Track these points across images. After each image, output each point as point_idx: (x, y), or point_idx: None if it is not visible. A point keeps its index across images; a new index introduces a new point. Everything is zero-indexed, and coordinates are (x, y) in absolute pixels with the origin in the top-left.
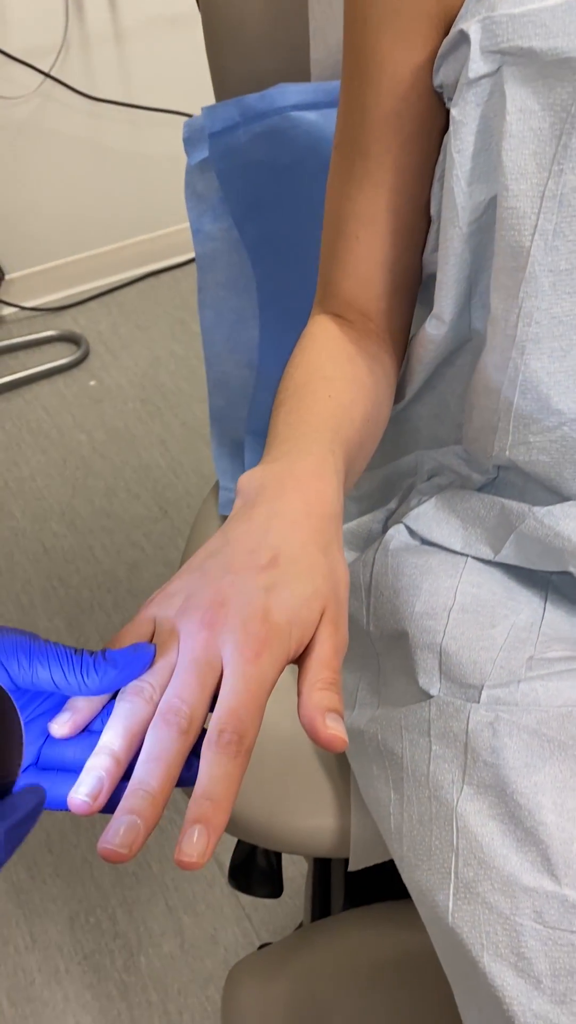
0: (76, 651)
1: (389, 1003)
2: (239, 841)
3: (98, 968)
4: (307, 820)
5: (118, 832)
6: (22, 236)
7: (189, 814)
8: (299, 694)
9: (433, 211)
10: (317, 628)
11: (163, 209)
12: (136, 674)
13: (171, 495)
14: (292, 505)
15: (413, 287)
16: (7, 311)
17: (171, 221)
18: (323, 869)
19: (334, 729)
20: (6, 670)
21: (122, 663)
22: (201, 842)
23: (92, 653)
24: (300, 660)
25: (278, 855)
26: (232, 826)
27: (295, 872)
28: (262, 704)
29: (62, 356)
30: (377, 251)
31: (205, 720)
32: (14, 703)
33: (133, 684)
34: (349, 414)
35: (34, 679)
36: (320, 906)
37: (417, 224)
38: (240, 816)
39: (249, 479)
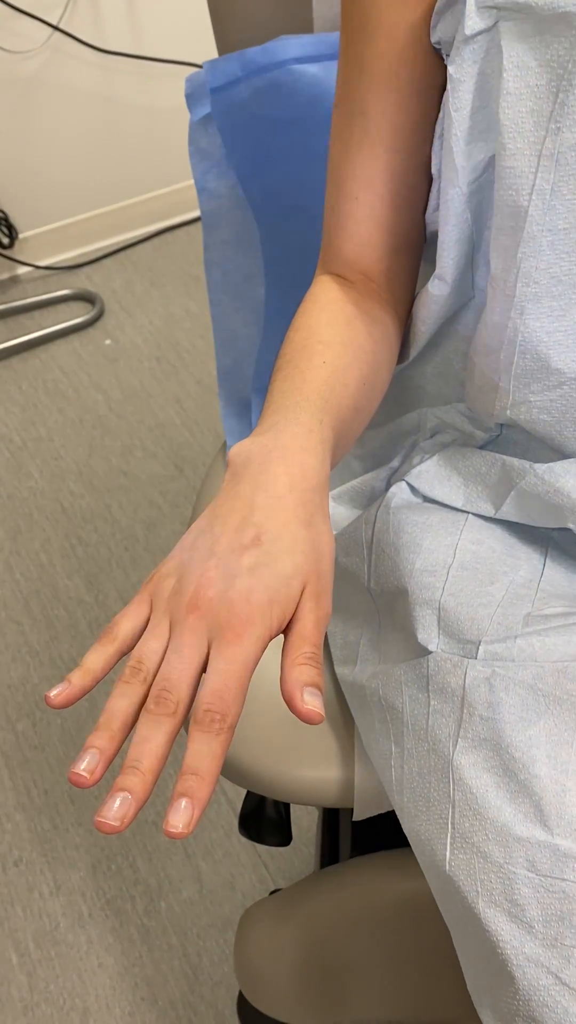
0: None
1: (390, 944)
2: (249, 792)
3: (120, 913)
4: (313, 772)
5: (112, 807)
6: (34, 194)
7: (176, 788)
8: (281, 668)
9: (434, 170)
10: (299, 603)
11: (176, 164)
12: None
13: (187, 453)
14: (276, 479)
15: (416, 247)
16: (21, 270)
17: (185, 176)
18: (332, 819)
19: (311, 704)
20: None
21: None
22: (187, 813)
23: None
24: (284, 633)
25: (287, 805)
26: (241, 778)
27: (309, 822)
28: (245, 682)
29: (77, 315)
30: (377, 211)
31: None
32: None
33: (130, 666)
34: (343, 379)
35: None
36: (329, 853)
37: (418, 184)
38: (249, 768)
39: (238, 451)
